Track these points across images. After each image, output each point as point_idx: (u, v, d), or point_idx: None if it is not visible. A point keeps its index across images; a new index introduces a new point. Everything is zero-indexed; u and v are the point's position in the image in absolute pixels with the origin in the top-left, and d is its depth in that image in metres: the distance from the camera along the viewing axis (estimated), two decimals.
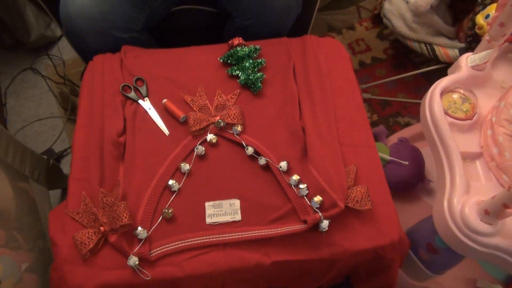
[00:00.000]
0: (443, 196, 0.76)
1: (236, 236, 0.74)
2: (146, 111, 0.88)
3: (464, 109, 0.84)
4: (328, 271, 0.81)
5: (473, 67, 0.87)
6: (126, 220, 0.71)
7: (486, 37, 0.84)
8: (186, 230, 0.75)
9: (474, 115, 0.83)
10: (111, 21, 0.94)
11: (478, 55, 0.86)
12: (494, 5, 1.08)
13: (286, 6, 1.01)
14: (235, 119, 0.85)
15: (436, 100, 0.83)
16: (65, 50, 1.61)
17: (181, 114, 0.86)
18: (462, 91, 0.86)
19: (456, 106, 0.84)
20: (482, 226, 0.69)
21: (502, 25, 0.79)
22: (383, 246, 0.76)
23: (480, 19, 1.11)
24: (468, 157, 0.82)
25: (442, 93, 0.86)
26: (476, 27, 1.12)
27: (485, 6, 1.14)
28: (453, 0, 1.40)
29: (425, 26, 1.36)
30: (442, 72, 1.00)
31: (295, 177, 0.79)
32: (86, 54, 1.01)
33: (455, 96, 0.86)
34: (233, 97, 0.91)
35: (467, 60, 0.88)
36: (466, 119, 0.83)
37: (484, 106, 0.86)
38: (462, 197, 0.73)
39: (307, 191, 0.77)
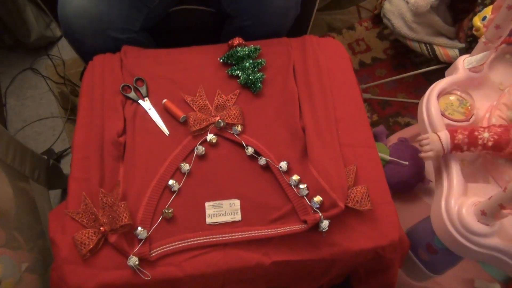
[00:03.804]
0: (440, 197, 0.76)
1: (236, 236, 0.75)
2: (146, 111, 0.88)
3: (461, 111, 0.84)
4: (328, 271, 0.82)
5: (470, 69, 0.87)
6: (126, 220, 0.71)
7: (482, 39, 0.84)
8: (186, 230, 0.75)
9: (471, 117, 0.84)
10: (108, 21, 0.94)
11: (475, 57, 0.87)
12: (491, 7, 1.09)
13: (285, 6, 1.01)
14: (235, 119, 0.86)
15: (433, 102, 0.83)
16: (65, 50, 1.61)
17: (181, 114, 0.86)
18: (459, 93, 0.86)
19: (453, 107, 0.85)
20: (479, 227, 0.69)
21: (497, 27, 0.79)
22: (383, 246, 0.77)
23: (477, 21, 1.11)
24: (465, 158, 0.82)
25: (439, 95, 0.86)
26: (474, 28, 1.13)
27: (485, 6, 1.14)
28: (453, 0, 1.40)
29: (425, 26, 1.36)
30: (442, 72, 1.00)
31: (295, 177, 0.79)
32: (84, 54, 1.01)
33: (452, 98, 0.86)
34: (233, 97, 0.91)
35: (464, 62, 0.89)
36: (463, 121, 0.83)
37: (481, 107, 0.87)
38: (459, 198, 0.73)
39: (307, 191, 0.77)
